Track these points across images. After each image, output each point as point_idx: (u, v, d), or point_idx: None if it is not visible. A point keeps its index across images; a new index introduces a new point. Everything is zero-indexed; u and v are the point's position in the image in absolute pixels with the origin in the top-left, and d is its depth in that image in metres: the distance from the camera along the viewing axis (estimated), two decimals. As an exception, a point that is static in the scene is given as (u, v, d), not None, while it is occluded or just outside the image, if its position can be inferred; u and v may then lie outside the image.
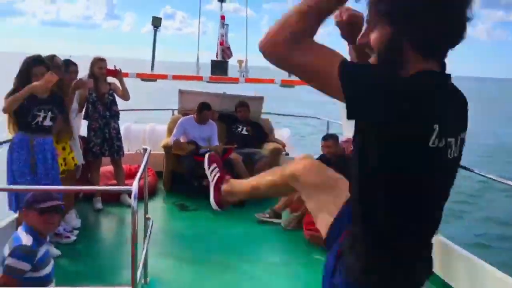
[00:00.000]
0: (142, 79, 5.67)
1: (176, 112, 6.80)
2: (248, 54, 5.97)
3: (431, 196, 1.40)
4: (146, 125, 7.26)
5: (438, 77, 1.34)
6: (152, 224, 3.58)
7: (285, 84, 5.81)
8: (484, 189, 10.57)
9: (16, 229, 2.85)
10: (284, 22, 1.24)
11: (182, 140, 5.81)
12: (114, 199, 5.28)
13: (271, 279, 3.75)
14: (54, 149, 3.92)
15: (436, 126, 1.25)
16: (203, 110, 5.87)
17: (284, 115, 9.59)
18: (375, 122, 1.23)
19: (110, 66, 5.19)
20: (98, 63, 5.07)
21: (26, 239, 2.45)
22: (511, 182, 3.41)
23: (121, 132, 5.45)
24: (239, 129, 6.31)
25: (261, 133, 6.40)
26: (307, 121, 16.77)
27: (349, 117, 1.24)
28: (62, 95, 4.05)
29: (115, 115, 5.22)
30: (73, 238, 4.24)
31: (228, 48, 5.84)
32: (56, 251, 3.80)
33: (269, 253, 4.37)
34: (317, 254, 4.04)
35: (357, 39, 1.45)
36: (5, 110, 3.62)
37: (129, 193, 2.50)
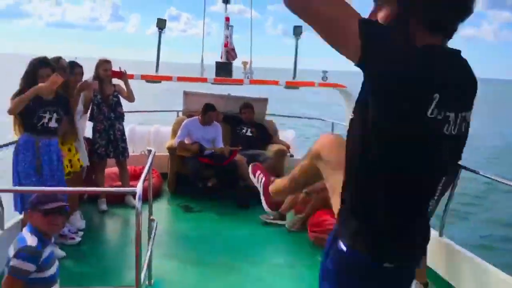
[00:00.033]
0: (147, 81, 5.69)
1: (180, 114, 6.81)
2: (252, 56, 5.98)
3: (424, 166, 1.38)
4: (151, 127, 7.28)
5: (444, 50, 1.36)
6: (156, 225, 3.58)
7: (289, 85, 5.80)
8: (489, 191, 10.52)
9: (21, 230, 2.86)
10: None
11: (186, 141, 5.82)
12: (118, 201, 5.29)
13: (276, 280, 3.74)
14: (60, 150, 3.93)
15: (437, 96, 1.26)
16: (208, 111, 5.88)
17: (288, 116, 9.58)
18: (378, 79, 1.26)
19: (115, 68, 5.21)
20: (103, 65, 5.09)
21: (31, 240, 2.46)
22: None
23: (126, 133, 5.47)
24: (244, 131, 6.31)
25: (265, 134, 6.40)
26: (311, 123, 16.70)
27: (360, 60, 1.27)
28: (68, 97, 4.06)
29: (120, 117, 5.23)
30: (78, 239, 4.25)
31: (233, 49, 5.85)
32: (61, 252, 3.81)
33: (274, 254, 4.36)
34: (322, 256, 4.02)
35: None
36: (10, 111, 3.64)
37: (133, 194, 2.50)
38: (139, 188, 2.50)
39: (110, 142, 5.14)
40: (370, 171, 1.38)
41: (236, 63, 5.84)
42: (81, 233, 4.38)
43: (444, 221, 3.89)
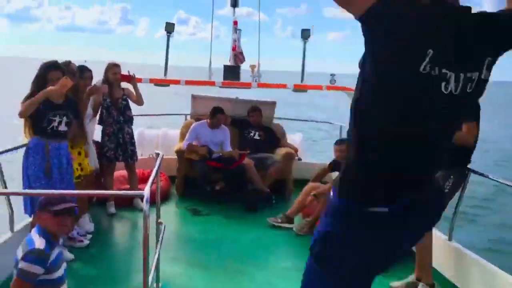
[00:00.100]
0: (155, 84, 5.72)
1: (188, 117, 6.83)
2: (261, 58, 5.99)
3: (423, 120, 1.40)
4: (159, 130, 7.31)
5: (451, 7, 1.36)
6: (164, 228, 3.59)
7: (298, 89, 5.80)
8: (498, 194, 10.45)
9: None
10: None
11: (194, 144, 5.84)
12: (127, 204, 5.31)
13: (283, 284, 3.73)
14: (69, 154, 3.96)
15: (430, 51, 1.27)
16: (216, 114, 5.89)
17: (296, 119, 9.57)
18: (378, 39, 1.30)
19: (124, 72, 5.25)
20: (112, 69, 5.12)
21: (39, 242, 2.47)
22: None
23: (135, 137, 5.49)
24: (252, 134, 6.32)
25: (273, 138, 6.40)
26: (319, 126, 16.70)
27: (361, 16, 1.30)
28: (77, 100, 4.09)
29: (129, 120, 5.26)
30: (87, 242, 4.27)
31: (241, 53, 5.87)
32: (69, 255, 3.83)
33: (282, 258, 4.35)
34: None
35: None
36: (21, 114, 3.67)
37: (141, 197, 2.51)
38: (146, 191, 2.51)
39: (119, 145, 5.16)
40: (367, 122, 1.42)
41: (244, 67, 5.86)
42: (89, 236, 4.40)
43: (454, 224, 3.86)
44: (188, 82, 5.67)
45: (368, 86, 1.41)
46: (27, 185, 3.72)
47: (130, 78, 5.26)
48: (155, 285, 3.31)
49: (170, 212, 5.38)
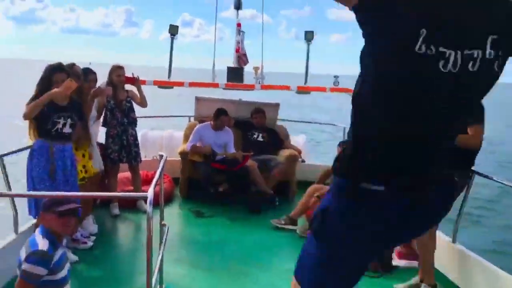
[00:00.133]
0: (159, 87, 5.73)
1: (192, 119, 6.84)
2: (265, 60, 5.99)
3: (423, 100, 1.38)
4: (163, 132, 7.32)
5: None
6: (168, 230, 3.59)
7: (301, 90, 5.80)
8: (502, 196, 10.41)
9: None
10: None
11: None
12: (131, 205, 5.32)
13: (287, 286, 3.71)
14: (74, 156, 3.97)
15: (423, 31, 1.26)
16: (220, 116, 5.89)
17: (300, 121, 9.57)
18: (372, 24, 1.32)
19: (128, 74, 5.26)
20: (116, 71, 5.14)
21: (42, 244, 2.48)
22: None
23: (139, 138, 5.51)
24: (255, 136, 6.32)
25: (276, 139, 6.40)
26: (323, 128, 16.67)
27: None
28: (81, 102, 4.11)
29: (133, 122, 5.28)
30: (90, 244, 4.28)
31: (244, 55, 5.88)
32: (73, 257, 3.84)
33: (285, 260, 4.33)
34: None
35: None
36: (25, 116, 3.68)
37: (145, 199, 2.51)
38: (150, 193, 2.51)
39: (123, 147, 5.18)
40: (367, 122, 1.43)
41: (248, 68, 5.86)
42: (93, 237, 4.41)
43: (458, 226, 3.85)
44: (191, 84, 5.68)
45: (368, 86, 1.41)
46: (32, 186, 3.73)
47: (134, 80, 5.28)
48: (158, 286, 3.31)
49: (173, 213, 5.39)
